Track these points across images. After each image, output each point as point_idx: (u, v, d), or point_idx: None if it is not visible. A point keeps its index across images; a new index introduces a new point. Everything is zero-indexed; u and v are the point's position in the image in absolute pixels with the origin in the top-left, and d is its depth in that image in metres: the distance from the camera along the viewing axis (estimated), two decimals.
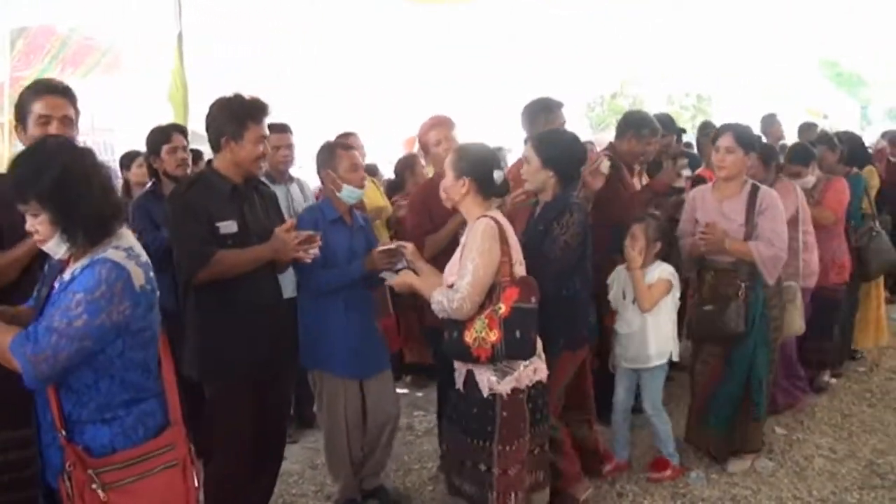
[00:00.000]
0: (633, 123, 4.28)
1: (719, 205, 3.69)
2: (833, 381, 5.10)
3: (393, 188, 5.61)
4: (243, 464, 2.95)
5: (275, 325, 2.99)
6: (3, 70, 6.60)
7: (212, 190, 2.86)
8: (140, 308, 1.92)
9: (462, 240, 2.79)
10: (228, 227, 2.83)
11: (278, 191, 3.70)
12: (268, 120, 2.95)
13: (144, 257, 1.98)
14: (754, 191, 3.63)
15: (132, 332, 1.92)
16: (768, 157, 4.35)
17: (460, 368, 2.78)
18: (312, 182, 4.55)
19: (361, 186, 3.39)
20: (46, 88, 2.60)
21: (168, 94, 5.55)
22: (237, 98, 2.89)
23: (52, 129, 2.53)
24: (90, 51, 7.50)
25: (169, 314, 3.21)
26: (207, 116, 2.92)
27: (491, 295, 2.64)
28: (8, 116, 5.97)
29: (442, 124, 3.62)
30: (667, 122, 5.50)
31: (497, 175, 2.77)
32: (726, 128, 3.71)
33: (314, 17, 7.13)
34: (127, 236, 1.99)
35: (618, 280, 3.78)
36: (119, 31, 7.33)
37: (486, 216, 2.71)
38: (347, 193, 3.33)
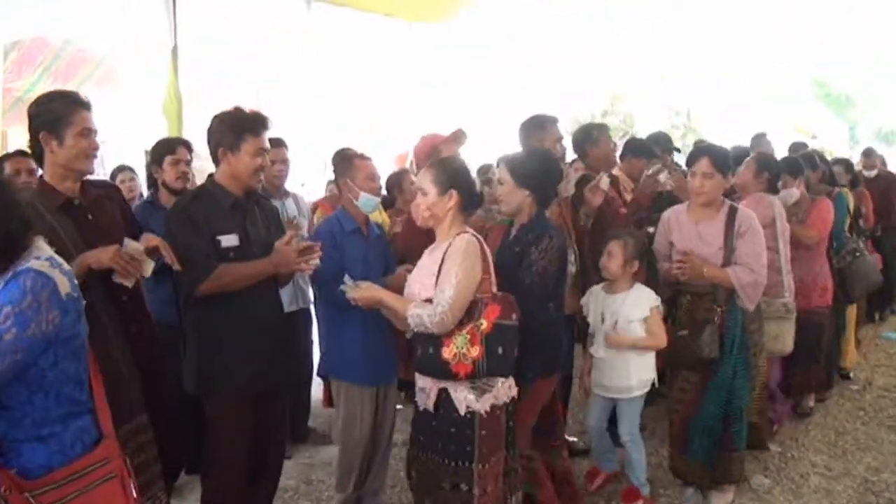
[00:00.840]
0: (582, 135, 4.21)
1: (696, 227, 3.54)
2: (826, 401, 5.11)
3: (383, 205, 5.60)
4: (242, 478, 2.92)
5: (274, 339, 2.98)
6: None
7: (213, 203, 2.86)
8: (69, 316, 1.88)
9: (427, 255, 2.78)
10: (230, 240, 2.82)
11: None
12: (268, 134, 2.94)
13: (66, 266, 1.95)
14: (732, 213, 3.49)
15: (62, 341, 1.88)
16: (763, 166, 4.26)
17: (431, 388, 2.70)
18: (318, 185, 4.49)
19: (378, 195, 3.40)
20: (83, 102, 2.63)
21: (162, 108, 5.53)
22: (236, 111, 2.90)
23: (91, 142, 2.61)
24: (83, 63, 7.42)
25: (169, 326, 3.20)
26: (208, 130, 2.92)
27: (472, 311, 2.61)
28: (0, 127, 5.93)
29: (457, 140, 3.59)
30: (662, 140, 5.52)
31: (479, 187, 2.79)
32: (702, 152, 3.53)
33: (313, 20, 7.13)
34: (44, 247, 1.95)
35: (595, 302, 3.63)
36: (113, 44, 7.26)
37: (466, 232, 2.70)
38: (365, 201, 3.31)
